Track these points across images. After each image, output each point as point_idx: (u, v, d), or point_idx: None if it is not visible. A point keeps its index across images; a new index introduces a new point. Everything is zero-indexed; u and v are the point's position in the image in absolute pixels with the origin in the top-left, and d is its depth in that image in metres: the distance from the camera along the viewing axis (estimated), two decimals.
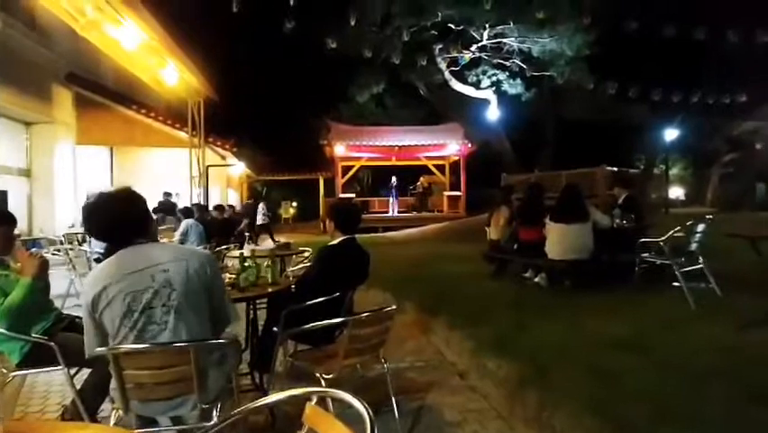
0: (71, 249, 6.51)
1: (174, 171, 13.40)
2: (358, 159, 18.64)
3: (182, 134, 12.64)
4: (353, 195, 18.89)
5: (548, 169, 16.36)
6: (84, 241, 8.47)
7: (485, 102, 17.13)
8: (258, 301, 2.77)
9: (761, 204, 21.04)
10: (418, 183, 19.29)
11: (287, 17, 12.01)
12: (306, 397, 1.13)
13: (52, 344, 2.13)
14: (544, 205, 5.49)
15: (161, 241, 2.07)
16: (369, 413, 0.94)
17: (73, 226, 10.24)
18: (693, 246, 4.48)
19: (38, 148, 10.55)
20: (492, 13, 13.88)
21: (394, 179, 18.45)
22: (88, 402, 2.13)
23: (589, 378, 2.65)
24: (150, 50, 9.57)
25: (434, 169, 19.40)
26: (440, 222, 15.54)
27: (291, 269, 4.24)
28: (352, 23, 12.98)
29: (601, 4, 13.97)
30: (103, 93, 11.55)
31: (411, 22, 14.83)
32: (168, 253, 1.72)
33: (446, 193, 18.73)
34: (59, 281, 3.73)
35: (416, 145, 17.81)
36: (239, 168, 17.91)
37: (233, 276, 2.68)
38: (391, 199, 18.33)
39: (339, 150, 17.44)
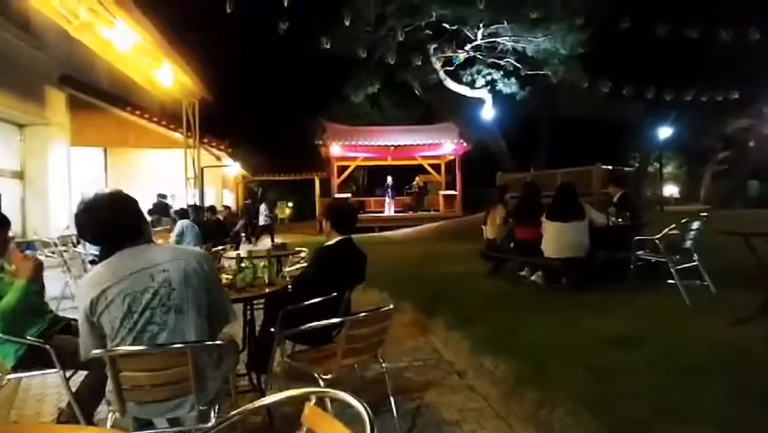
0: (66, 251, 6.46)
1: (169, 173, 13.34)
2: (353, 159, 18.64)
3: (177, 135, 12.57)
4: (349, 195, 18.89)
5: (543, 167, 16.44)
6: (78, 243, 8.41)
7: (480, 101, 17.16)
8: (255, 302, 2.76)
9: (754, 201, 21.24)
10: (414, 183, 19.32)
11: (281, 17, 11.97)
12: (305, 397, 1.13)
13: (48, 346, 2.12)
14: (540, 203, 5.51)
15: (157, 242, 2.06)
16: (368, 413, 0.94)
17: (68, 228, 10.17)
18: (688, 244, 4.51)
19: (31, 150, 10.47)
20: (486, 12, 13.90)
21: (390, 178, 18.47)
22: (85, 405, 2.12)
23: (587, 375, 2.66)
24: (144, 51, 9.53)
25: (429, 168, 19.42)
26: (436, 221, 15.55)
27: (287, 269, 4.23)
28: (347, 22, 12.96)
29: (594, 3, 14.03)
30: (97, 94, 11.47)
31: (405, 21, 14.84)
32: (165, 253, 1.72)
33: (442, 192, 18.76)
34: (53, 284, 3.70)
35: (412, 145, 17.83)
36: (234, 169, 17.86)
37: (230, 277, 2.67)
38: (387, 199, 18.34)
39: (334, 150, 17.43)
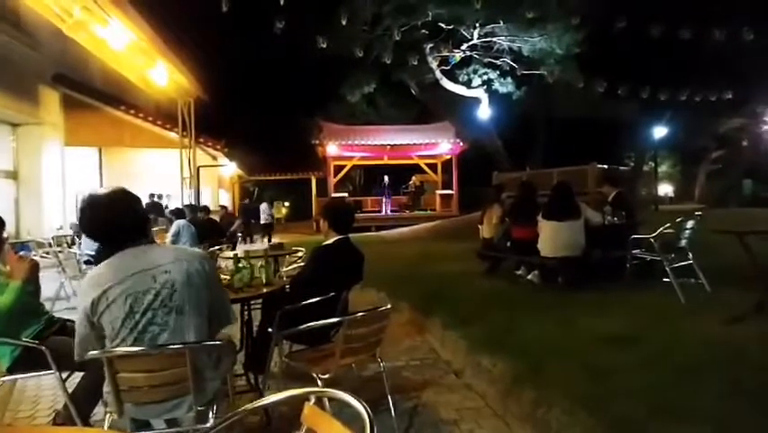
0: (60, 251, 6.42)
1: (165, 172, 13.28)
2: (350, 158, 18.62)
3: (172, 135, 12.52)
4: (346, 194, 18.87)
5: (539, 166, 16.49)
6: (73, 243, 8.36)
7: (476, 101, 17.20)
8: (252, 302, 2.76)
9: (747, 200, 21.41)
10: (410, 182, 19.33)
11: (277, 17, 11.94)
12: (304, 397, 1.13)
13: (43, 348, 2.10)
14: (536, 203, 5.53)
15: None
16: (368, 413, 0.94)
17: (61, 228, 10.11)
18: (683, 242, 4.54)
19: (25, 150, 10.39)
20: (482, 12, 13.93)
21: (386, 178, 18.46)
22: (81, 406, 2.11)
23: (583, 374, 2.67)
24: (139, 50, 9.47)
25: (426, 168, 19.45)
26: (432, 220, 15.58)
27: (284, 269, 4.22)
28: (343, 22, 12.95)
29: (590, 4, 14.09)
30: (91, 94, 11.40)
31: (402, 21, 14.84)
32: (168, 254, 1.72)
33: (438, 192, 18.79)
34: (48, 284, 3.67)
35: (408, 144, 17.84)
36: (230, 168, 17.81)
37: (227, 277, 2.66)
38: (384, 198, 18.34)
39: (331, 149, 17.41)
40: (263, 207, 15.48)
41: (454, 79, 17.03)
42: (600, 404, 2.28)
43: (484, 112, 17.13)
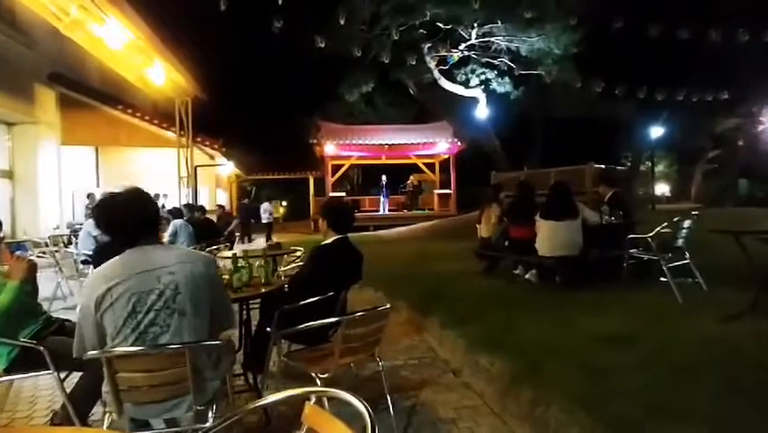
0: (57, 251, 6.39)
1: (162, 172, 13.23)
2: (348, 157, 18.61)
3: (170, 134, 12.48)
4: (344, 194, 18.86)
5: (537, 166, 16.53)
6: (70, 243, 8.32)
7: (474, 100, 17.22)
8: (250, 302, 2.75)
9: (743, 199, 21.53)
10: (408, 181, 19.33)
11: (276, 16, 11.92)
12: (304, 397, 1.13)
13: (41, 348, 2.09)
14: (534, 202, 5.54)
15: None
16: (369, 412, 0.94)
17: (58, 228, 10.06)
18: (680, 242, 4.56)
19: (20, 149, 10.34)
20: (480, 12, 13.94)
21: (384, 177, 18.46)
22: (79, 406, 2.10)
23: (581, 373, 2.68)
24: (137, 49, 9.43)
25: (423, 167, 19.45)
26: (430, 220, 15.58)
27: (282, 269, 4.22)
28: (341, 21, 12.94)
29: (588, 4, 14.12)
30: (87, 93, 11.35)
31: (400, 20, 14.84)
32: (173, 255, 1.73)
33: (436, 191, 18.80)
34: (45, 284, 3.66)
35: (406, 144, 17.84)
36: (228, 167, 17.77)
37: (226, 277, 2.66)
38: (382, 198, 18.33)
39: (329, 149, 17.39)
40: (265, 206, 15.44)
41: (452, 79, 17.05)
42: (598, 403, 2.29)
43: (482, 112, 17.16)
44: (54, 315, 2.59)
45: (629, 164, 21.85)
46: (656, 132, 18.32)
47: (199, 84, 12.75)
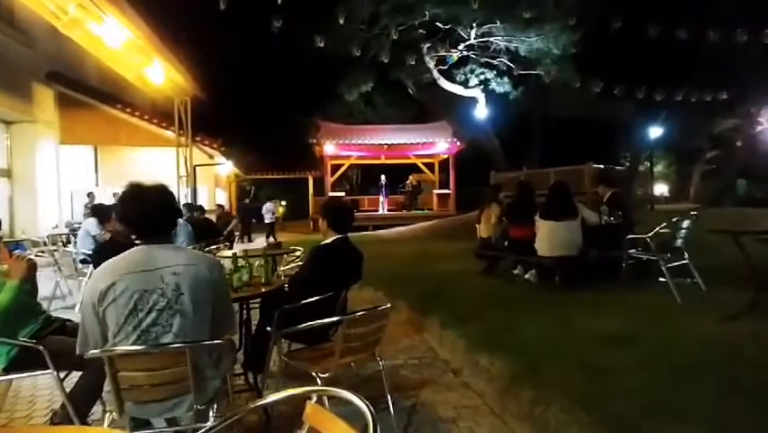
0: (56, 250, 6.37)
1: (161, 171, 13.19)
2: (347, 157, 18.61)
3: (169, 133, 12.45)
4: (343, 193, 18.86)
5: (536, 166, 16.54)
6: (68, 242, 8.30)
7: (473, 100, 17.22)
8: (250, 301, 2.75)
9: (742, 199, 21.58)
10: (408, 181, 19.34)
11: (275, 15, 11.91)
12: (305, 396, 1.13)
13: (41, 347, 2.09)
14: (533, 202, 5.55)
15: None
16: (371, 410, 0.94)
17: (56, 227, 10.03)
18: (678, 242, 4.57)
19: (18, 148, 10.31)
20: (479, 12, 13.95)
21: (383, 177, 18.46)
22: (79, 406, 2.09)
23: (580, 373, 2.69)
24: (136, 48, 9.41)
25: (423, 167, 19.46)
26: (429, 220, 15.59)
27: (282, 268, 4.22)
28: (341, 21, 12.93)
29: (587, 4, 14.14)
30: (86, 91, 11.31)
31: (399, 20, 14.84)
32: (179, 256, 1.72)
33: (436, 191, 18.81)
34: (44, 283, 3.65)
35: (406, 144, 17.84)
36: (227, 167, 17.74)
37: (226, 276, 2.66)
38: (381, 198, 18.34)
39: (328, 148, 17.39)
40: (267, 206, 15.42)
41: (451, 79, 17.05)
42: (598, 403, 2.30)
43: (481, 111, 17.16)
44: (54, 314, 2.59)
45: (628, 164, 21.88)
46: (655, 132, 18.36)
47: (198, 83, 12.72)
